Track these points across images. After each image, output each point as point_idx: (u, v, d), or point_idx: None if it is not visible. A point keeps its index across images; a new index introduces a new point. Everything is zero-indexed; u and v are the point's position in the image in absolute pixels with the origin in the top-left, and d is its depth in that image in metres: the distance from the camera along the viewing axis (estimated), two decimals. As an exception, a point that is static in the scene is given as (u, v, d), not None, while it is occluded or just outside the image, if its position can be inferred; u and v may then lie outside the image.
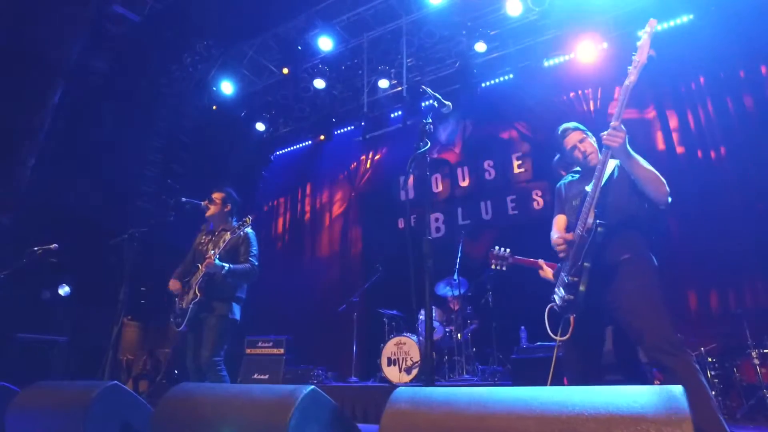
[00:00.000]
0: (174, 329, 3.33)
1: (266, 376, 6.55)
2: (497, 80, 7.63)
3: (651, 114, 6.45)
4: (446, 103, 2.23)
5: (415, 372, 5.33)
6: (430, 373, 1.92)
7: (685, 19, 6.27)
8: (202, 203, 3.54)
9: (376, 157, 8.27)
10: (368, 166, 8.32)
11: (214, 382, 3.20)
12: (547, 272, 2.71)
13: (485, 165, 7.55)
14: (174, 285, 3.43)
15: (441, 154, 7.99)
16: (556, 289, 2.51)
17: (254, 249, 3.53)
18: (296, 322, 8.14)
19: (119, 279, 5.19)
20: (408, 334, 5.61)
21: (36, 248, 4.17)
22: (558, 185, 2.91)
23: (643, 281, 2.26)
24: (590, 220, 2.32)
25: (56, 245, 4.21)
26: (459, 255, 5.72)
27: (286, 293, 8.46)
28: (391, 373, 5.45)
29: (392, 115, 8.36)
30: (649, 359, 2.21)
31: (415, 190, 8.07)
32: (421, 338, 5.65)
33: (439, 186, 7.90)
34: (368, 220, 8.25)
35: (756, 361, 4.55)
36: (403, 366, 5.41)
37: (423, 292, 2.07)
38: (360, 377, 6.11)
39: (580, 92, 7.05)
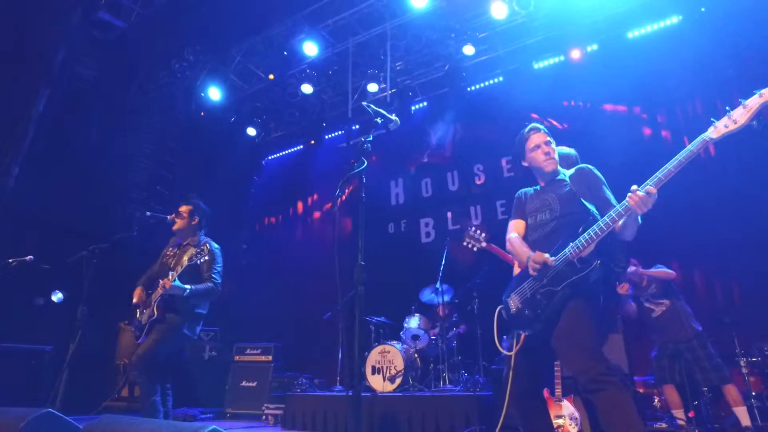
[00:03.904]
0: (134, 340, 3.30)
1: (254, 384, 6.53)
2: (487, 83, 7.57)
3: (638, 110, 6.37)
4: (393, 118, 2.16)
5: (398, 381, 5.27)
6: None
7: (674, 20, 6.18)
8: (168, 217, 3.49)
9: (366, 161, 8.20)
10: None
11: (139, 384, 3.15)
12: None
13: (475, 169, 7.47)
14: (137, 294, 3.40)
15: (431, 159, 7.92)
16: (512, 294, 2.45)
17: (218, 266, 3.46)
18: (286, 329, 8.10)
19: (112, 285, 5.17)
20: (392, 342, 5.55)
21: (10, 260, 4.15)
22: (519, 193, 2.85)
23: (579, 315, 2.18)
24: (590, 249, 2.20)
25: (31, 257, 4.18)
26: (443, 261, 5.65)
27: (277, 299, 8.43)
28: (375, 381, 5.40)
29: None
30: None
31: (405, 195, 8.05)
32: (405, 346, 5.59)
33: (428, 190, 7.83)
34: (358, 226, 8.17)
35: (744, 371, 4.48)
36: (387, 375, 5.35)
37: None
38: (346, 385, 6.05)
39: (570, 96, 6.98)
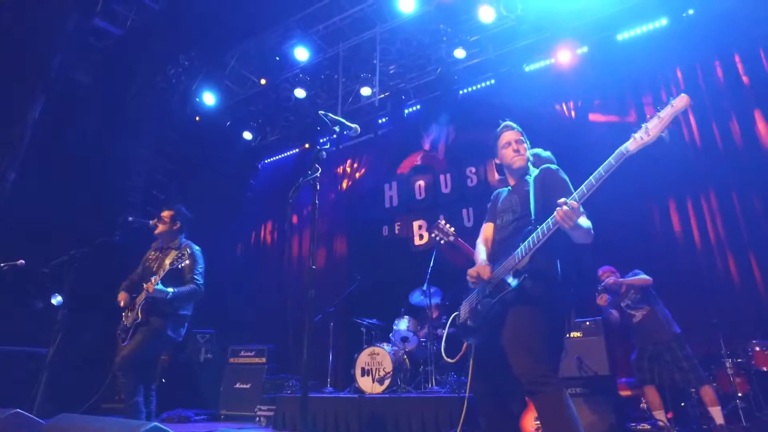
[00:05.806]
0: (119, 343, 3.37)
1: (248, 385, 6.58)
2: (479, 86, 7.60)
3: (632, 119, 6.38)
4: (352, 126, 2.20)
5: (387, 382, 5.31)
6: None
7: (664, 21, 6.19)
8: (150, 222, 3.57)
9: (360, 164, 8.27)
10: (352, 173, 8.31)
11: (122, 386, 3.20)
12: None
13: (468, 172, 7.51)
14: (122, 297, 3.48)
15: (424, 161, 7.97)
16: (465, 303, 2.48)
17: (200, 267, 3.53)
18: (281, 331, 8.16)
19: (103, 288, 5.25)
20: (382, 344, 5.59)
21: (2, 264, 4.23)
22: (494, 193, 2.81)
23: (522, 320, 2.15)
24: (524, 262, 2.15)
25: (22, 261, 4.27)
26: (431, 264, 5.69)
27: (273, 302, 8.49)
28: (365, 383, 5.44)
29: (380, 121, 8.35)
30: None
31: (398, 197, 8.10)
32: (394, 348, 5.63)
33: (422, 193, 7.88)
34: (352, 228, 8.24)
35: (730, 371, 4.50)
36: (376, 376, 5.40)
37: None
38: (337, 387, 6.12)
39: (561, 98, 7.01)
